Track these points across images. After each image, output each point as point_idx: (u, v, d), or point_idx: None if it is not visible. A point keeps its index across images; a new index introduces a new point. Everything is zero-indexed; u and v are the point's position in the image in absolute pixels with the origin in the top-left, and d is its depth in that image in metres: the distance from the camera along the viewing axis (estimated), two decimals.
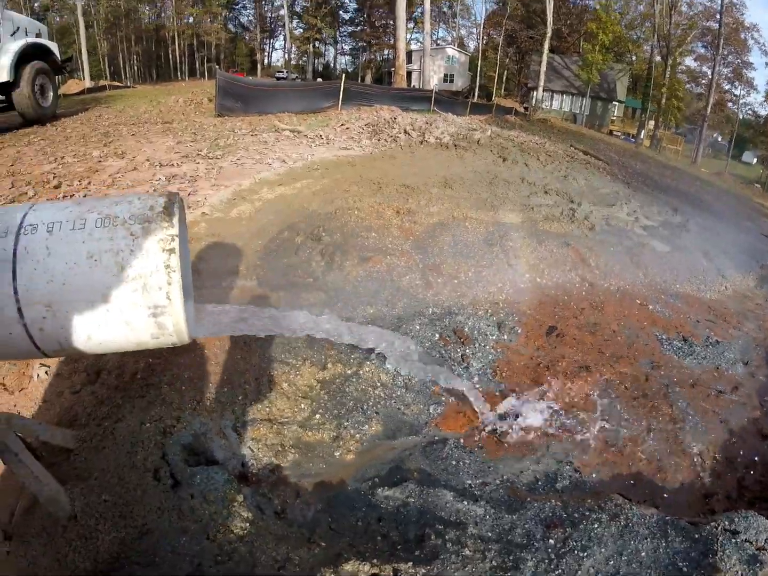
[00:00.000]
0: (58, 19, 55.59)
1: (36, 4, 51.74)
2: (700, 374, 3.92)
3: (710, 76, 40.29)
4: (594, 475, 2.77)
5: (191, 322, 1.45)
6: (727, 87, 55.70)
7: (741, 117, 60.64)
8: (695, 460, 3.06)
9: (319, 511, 2.28)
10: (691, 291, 5.59)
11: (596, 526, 2.14)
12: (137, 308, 1.22)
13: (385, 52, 68.51)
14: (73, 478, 1.96)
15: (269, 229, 4.36)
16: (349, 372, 3.07)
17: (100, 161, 6.22)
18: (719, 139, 65.82)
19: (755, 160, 60.37)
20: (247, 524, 2.01)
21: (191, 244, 3.78)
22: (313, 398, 2.88)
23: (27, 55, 9.38)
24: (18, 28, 9.35)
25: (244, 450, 2.48)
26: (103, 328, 1.24)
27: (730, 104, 58.32)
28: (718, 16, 39.12)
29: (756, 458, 3.21)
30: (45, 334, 1.23)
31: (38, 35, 10.04)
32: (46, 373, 2.65)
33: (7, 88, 9.03)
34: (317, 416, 2.77)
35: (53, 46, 10.50)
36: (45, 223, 1.24)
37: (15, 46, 9.09)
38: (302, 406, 2.81)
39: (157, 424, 2.25)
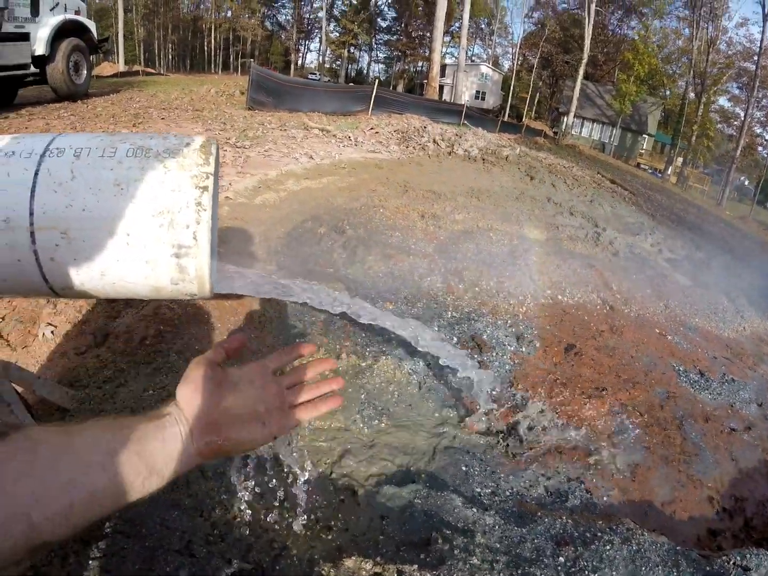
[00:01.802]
0: (98, 0, 56.25)
1: None
2: (714, 410, 3.83)
3: (742, 118, 40.06)
4: (605, 498, 2.69)
5: (214, 277, 1.35)
6: (758, 131, 55.53)
7: None
8: (705, 495, 2.97)
9: (320, 503, 2.22)
10: (710, 327, 5.50)
11: (608, 548, 2.06)
12: (160, 245, 1.13)
13: (419, 63, 68.97)
14: None
15: (293, 217, 4.33)
16: (363, 365, 3.01)
17: None
18: (746, 182, 65.57)
19: None
20: (244, 506, 1.94)
21: None
22: None
23: (64, 31, 9.45)
24: (57, 3, 9.38)
25: None
26: (121, 264, 1.15)
27: (760, 148, 58.08)
28: (755, 58, 38.94)
29: (765, 499, 3.12)
30: (55, 264, 1.13)
31: (77, 12, 10.08)
32: (51, 332, 2.60)
33: (42, 61, 9.06)
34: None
35: (91, 25, 10.58)
36: (73, 148, 1.16)
37: (54, 20, 9.15)
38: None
39: (161, 392, 2.18)
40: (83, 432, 0.67)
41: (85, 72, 10.34)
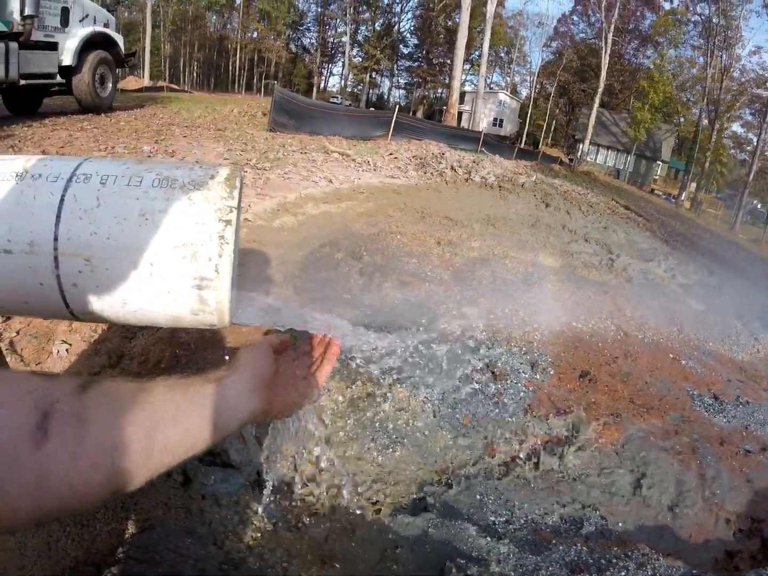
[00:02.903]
0: (126, 14, 57.33)
1: None
2: (729, 433, 3.82)
3: (755, 144, 40.06)
4: (620, 524, 2.69)
5: (234, 307, 1.39)
6: None
7: None
8: (721, 517, 2.96)
9: (334, 531, 2.24)
10: (723, 350, 5.48)
11: (623, 574, 2.08)
12: (182, 277, 1.15)
13: (439, 90, 69.83)
14: None
15: (311, 242, 4.40)
16: (378, 392, 3.03)
17: (149, 156, 6.36)
18: (759, 206, 65.20)
19: None
20: (259, 534, 1.95)
21: None
22: (339, 414, 2.84)
23: (92, 43, 9.64)
24: (87, 15, 9.60)
25: (262, 458, 2.44)
26: (143, 294, 1.17)
27: None
28: None
29: None
30: (78, 290, 1.15)
31: (106, 25, 10.30)
32: (66, 350, 2.63)
33: (68, 72, 9.22)
34: (341, 433, 2.73)
35: (119, 39, 10.78)
36: (99, 174, 1.18)
37: (83, 32, 9.36)
38: (326, 420, 2.77)
39: None
40: (154, 389, 0.76)
41: (111, 85, 10.54)
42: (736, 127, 53.69)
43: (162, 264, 1.14)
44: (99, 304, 1.18)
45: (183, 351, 2.63)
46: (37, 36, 8.38)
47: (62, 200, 1.14)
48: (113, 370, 2.51)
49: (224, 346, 2.83)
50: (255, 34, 65.55)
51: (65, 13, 8.99)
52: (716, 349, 5.44)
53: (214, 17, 66.97)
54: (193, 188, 1.19)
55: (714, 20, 40.98)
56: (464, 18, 26.44)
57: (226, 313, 1.22)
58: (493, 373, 3.55)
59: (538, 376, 3.73)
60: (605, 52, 42.76)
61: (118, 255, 1.13)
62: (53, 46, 8.84)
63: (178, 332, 2.70)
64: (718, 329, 5.91)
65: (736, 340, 5.85)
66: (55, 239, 1.12)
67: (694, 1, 44.10)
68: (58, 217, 1.13)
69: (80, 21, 9.43)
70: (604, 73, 43.29)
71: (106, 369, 2.53)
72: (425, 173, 9.77)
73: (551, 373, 3.83)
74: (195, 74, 67.46)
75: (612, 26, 42.97)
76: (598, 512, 2.74)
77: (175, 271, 1.15)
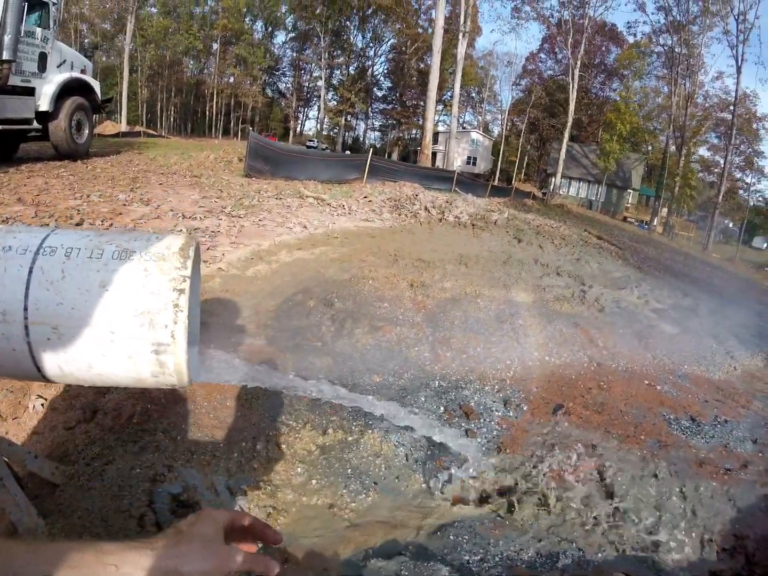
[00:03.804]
0: (104, 58, 57.74)
1: (86, 41, 54.09)
2: (707, 453, 3.86)
3: (722, 165, 41.17)
4: (598, 554, 2.71)
5: (194, 366, 1.46)
6: (738, 175, 57.33)
7: (752, 204, 61.80)
8: (704, 537, 2.98)
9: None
10: (699, 371, 5.55)
11: None
12: (141, 343, 1.23)
13: (413, 131, 71.17)
14: (56, 514, 1.94)
15: (284, 290, 4.45)
16: (350, 439, 3.06)
17: (125, 205, 6.42)
18: (730, 225, 66.69)
19: (765, 245, 60.94)
20: None
21: (203, 296, 3.87)
22: (311, 463, 2.86)
23: (69, 89, 9.70)
24: (65, 61, 9.71)
25: (235, 508, 2.45)
26: (106, 359, 1.26)
27: (741, 191, 59.62)
28: (731, 108, 40.32)
29: (766, 534, 3.12)
30: (47, 355, 1.24)
31: (83, 71, 10.38)
32: (42, 405, 2.65)
33: (45, 118, 9.26)
34: (313, 482, 2.74)
35: (95, 85, 10.84)
36: (64, 247, 1.27)
37: (60, 78, 9.43)
38: (299, 470, 2.78)
39: (148, 471, 2.23)
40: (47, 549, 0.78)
41: (87, 131, 10.56)
42: (702, 151, 55.35)
43: (122, 331, 1.23)
44: (67, 368, 1.27)
45: (154, 406, 2.68)
46: (15, 81, 8.43)
47: (30, 272, 1.23)
48: (88, 425, 2.54)
49: (195, 399, 2.86)
50: (231, 79, 66.47)
51: (43, 58, 9.07)
52: (692, 371, 5.51)
53: (191, 62, 67.80)
54: (149, 259, 1.28)
55: (677, 50, 42.47)
56: (435, 60, 27.20)
57: (185, 374, 1.32)
58: (465, 413, 3.59)
59: (511, 413, 3.77)
60: (572, 87, 44.04)
61: (82, 323, 1.22)
62: (30, 92, 8.90)
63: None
64: (692, 351, 5.99)
65: (711, 359, 5.94)
66: (25, 309, 1.21)
67: (656, 33, 45.74)
68: (27, 288, 1.22)
69: (58, 66, 9.51)
70: (572, 108, 44.52)
71: (81, 424, 2.55)
72: (399, 215, 9.91)
73: (524, 408, 3.88)
74: (172, 119, 67.97)
75: (578, 62, 44.39)
76: (575, 544, 2.76)
77: (135, 337, 1.24)
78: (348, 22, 67.65)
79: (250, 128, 16.80)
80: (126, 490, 2.11)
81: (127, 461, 2.26)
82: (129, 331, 1.23)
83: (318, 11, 61.37)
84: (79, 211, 5.68)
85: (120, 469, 2.20)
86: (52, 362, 1.26)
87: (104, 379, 1.33)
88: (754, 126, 51.28)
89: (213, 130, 65.89)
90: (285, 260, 5.29)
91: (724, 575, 2.75)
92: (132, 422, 2.54)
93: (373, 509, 2.73)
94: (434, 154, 42.81)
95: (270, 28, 70.40)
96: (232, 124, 68.15)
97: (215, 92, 64.85)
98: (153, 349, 1.25)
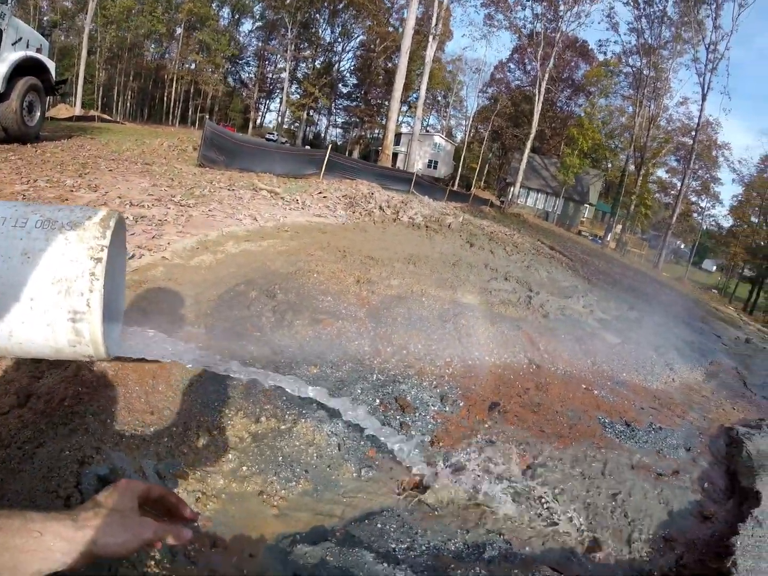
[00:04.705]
0: (63, 38, 55.81)
1: (45, 18, 52.26)
2: (641, 457, 3.97)
3: (679, 188, 42.44)
4: (525, 548, 2.75)
5: (115, 341, 1.49)
6: (694, 198, 59.12)
7: (704, 227, 63.99)
8: (632, 538, 3.05)
9: (232, 563, 2.23)
10: (638, 380, 5.72)
11: None
12: (59, 310, 1.26)
13: (376, 130, 71.07)
14: None
15: (226, 281, 4.40)
16: (283, 428, 3.05)
17: (72, 191, 6.23)
18: (682, 246, 69.00)
19: (714, 268, 63.46)
20: (153, 563, 1.95)
21: (144, 285, 3.81)
22: (243, 450, 2.84)
23: (23, 69, 9.18)
24: (20, 39, 9.14)
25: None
26: (26, 326, 1.27)
27: (695, 215, 61.53)
28: (693, 133, 41.46)
29: (696, 538, 3.21)
30: None
31: (39, 50, 9.82)
32: None
33: None
34: (244, 468, 2.73)
35: (51, 65, 10.31)
36: None
37: (14, 56, 8.90)
38: (230, 456, 2.77)
39: (76, 453, 2.20)
40: None
41: (39, 114, 10.09)
42: (661, 172, 56.98)
43: (41, 299, 1.27)
44: None
45: (85, 389, 2.64)
46: None
47: None
48: (21, 410, 2.49)
49: (126, 383, 2.82)
50: (193, 66, 65.01)
51: None
52: (630, 379, 5.67)
53: (153, 46, 66.12)
54: (70, 228, 1.31)
55: (645, 72, 43.55)
56: (403, 61, 27.27)
57: (101, 345, 1.35)
58: (401, 406, 3.60)
59: (447, 408, 3.81)
60: (538, 99, 44.74)
61: (3, 291, 1.25)
62: None
63: (83, 370, 2.69)
64: (633, 360, 6.17)
65: (651, 370, 6.12)
66: None
67: (626, 54, 46.80)
68: None
69: (12, 44, 8.96)
70: (536, 120, 45.23)
71: (14, 409, 2.50)
72: (354, 212, 9.90)
73: (461, 405, 3.92)
74: (129, 104, 66.14)
75: (546, 75, 45.13)
76: (502, 537, 2.79)
77: (53, 305, 1.27)
78: (318, 15, 66.97)
79: (207, 117, 16.50)
80: (55, 472, 2.08)
81: (57, 444, 2.23)
82: (47, 299, 1.26)
83: (288, 1, 60.48)
84: (24, 196, 5.50)
85: (50, 452, 2.18)
86: None
87: (25, 349, 1.35)
88: (714, 153, 53.00)
89: (170, 117, 64.54)
90: (231, 251, 5.23)
91: None
92: (63, 405, 2.51)
93: (303, 497, 2.74)
94: (395, 155, 43.06)
95: (237, 16, 69.50)
96: (190, 112, 66.84)
97: (175, 78, 63.39)
98: (70, 317, 1.28)
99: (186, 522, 1.18)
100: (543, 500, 3.17)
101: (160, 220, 5.73)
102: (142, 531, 0.97)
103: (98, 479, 2.17)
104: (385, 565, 2.31)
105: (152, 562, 1.96)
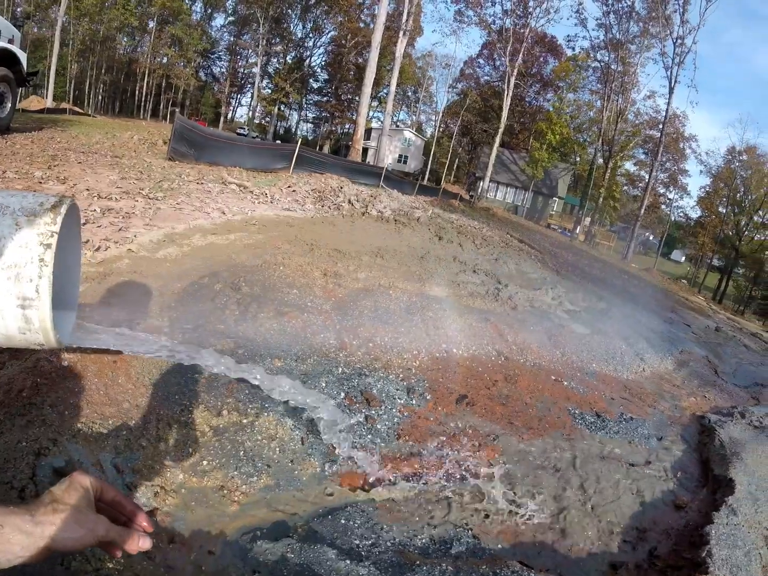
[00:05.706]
0: (35, 29, 54.64)
1: (19, 9, 51.13)
2: (612, 448, 3.99)
3: (647, 180, 42.97)
4: (494, 542, 2.74)
5: (67, 330, 1.48)
6: (662, 191, 60.04)
7: (673, 219, 65.06)
8: (604, 529, 3.06)
9: (190, 559, 2.18)
10: (608, 371, 5.77)
11: None
12: (8, 297, 1.25)
13: (347, 125, 70.86)
14: None
15: (191, 274, 4.32)
16: (244, 422, 3.00)
17: (40, 183, 6.09)
18: (651, 237, 70.11)
19: (683, 258, 64.64)
20: (106, 556, 1.89)
21: (109, 277, 3.72)
22: (203, 444, 2.78)
23: None
24: None
25: (121, 486, 2.35)
26: None
27: (663, 206, 62.55)
28: (660, 126, 41.98)
29: (670, 528, 3.23)
30: None
31: (10, 41, 9.53)
32: None
33: None
34: (204, 463, 2.68)
35: (22, 56, 10.01)
36: None
37: None
38: (190, 450, 2.71)
39: (33, 444, 2.15)
40: None
41: (10, 105, 9.81)
42: (629, 165, 57.69)
43: None
44: None
45: (44, 380, 2.57)
46: None
47: None
48: None
49: (85, 375, 2.75)
50: (165, 60, 64.13)
51: None
52: (600, 370, 5.72)
53: (125, 39, 64.99)
54: (21, 214, 1.29)
55: (613, 66, 43.93)
56: (374, 56, 27.16)
57: (51, 333, 1.33)
58: (367, 399, 3.56)
59: (414, 402, 3.78)
60: (507, 94, 44.92)
61: None
62: None
63: (42, 362, 2.62)
64: (602, 351, 6.22)
65: (620, 360, 6.18)
66: None
67: (595, 48, 47.16)
68: None
69: None
70: (505, 114, 45.43)
71: None
72: (323, 206, 9.84)
73: (428, 398, 3.90)
74: (101, 97, 65.02)
75: (515, 70, 45.25)
76: (470, 531, 2.77)
77: (2, 291, 1.26)
78: (290, 10, 66.46)
79: (177, 110, 16.28)
80: (10, 463, 2.04)
81: (14, 435, 2.18)
82: None
83: None
84: None
85: (6, 443, 2.13)
86: None
87: None
88: (681, 145, 53.86)
89: (142, 111, 63.59)
90: (197, 244, 5.13)
91: (626, 567, 2.82)
92: (21, 396, 2.44)
93: (265, 492, 2.70)
94: (366, 150, 42.92)
95: (210, 10, 68.58)
96: (161, 106, 65.85)
97: (147, 72, 62.44)
98: (19, 303, 1.26)
99: (140, 528, 1.14)
100: (512, 493, 3.16)
101: (127, 213, 5.62)
102: (96, 527, 0.97)
103: (54, 471, 2.13)
104: (348, 561, 2.28)
105: (107, 557, 1.90)
